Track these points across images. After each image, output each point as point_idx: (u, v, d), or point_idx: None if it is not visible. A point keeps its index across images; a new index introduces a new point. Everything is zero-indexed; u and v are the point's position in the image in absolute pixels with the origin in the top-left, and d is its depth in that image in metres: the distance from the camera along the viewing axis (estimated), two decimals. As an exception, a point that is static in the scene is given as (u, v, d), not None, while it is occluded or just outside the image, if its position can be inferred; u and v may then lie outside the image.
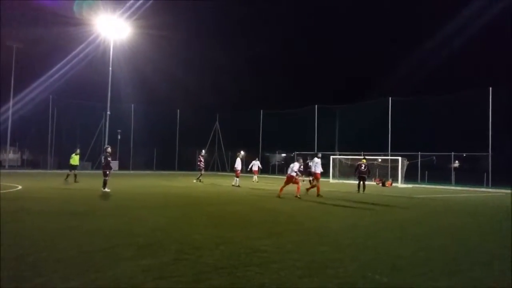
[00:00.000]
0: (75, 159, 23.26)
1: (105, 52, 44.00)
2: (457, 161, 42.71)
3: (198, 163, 29.73)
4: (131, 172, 45.48)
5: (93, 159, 48.69)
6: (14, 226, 8.34)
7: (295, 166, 17.40)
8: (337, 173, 38.29)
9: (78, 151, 23.81)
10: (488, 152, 32.05)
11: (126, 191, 18.68)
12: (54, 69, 45.35)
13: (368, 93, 50.67)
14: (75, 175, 22.80)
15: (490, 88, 32.02)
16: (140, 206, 12.88)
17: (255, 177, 30.66)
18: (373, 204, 16.08)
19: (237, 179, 24.95)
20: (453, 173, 35.15)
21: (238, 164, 25.70)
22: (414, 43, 63.75)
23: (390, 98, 38.63)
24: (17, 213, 10.18)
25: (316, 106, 45.35)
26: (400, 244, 7.82)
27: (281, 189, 17.33)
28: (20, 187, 18.42)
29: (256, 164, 30.68)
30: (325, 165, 40.83)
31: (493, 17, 42.34)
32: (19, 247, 6.36)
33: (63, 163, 46.16)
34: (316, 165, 19.71)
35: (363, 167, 22.71)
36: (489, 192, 27.45)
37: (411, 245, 7.69)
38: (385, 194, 22.12)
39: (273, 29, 77.20)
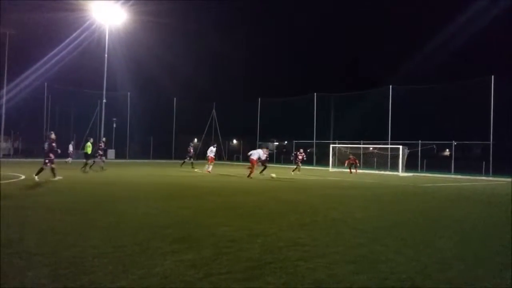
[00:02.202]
0: (88, 148, 23.11)
1: (100, 38, 43.29)
2: (447, 150, 43.05)
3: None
4: (128, 161, 44.95)
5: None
6: (33, 219, 8.02)
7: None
8: (336, 161, 38.17)
9: (91, 140, 23.82)
10: (490, 141, 32.06)
11: (133, 181, 18.38)
12: (49, 55, 44.51)
13: (369, 82, 50.42)
14: (86, 164, 22.71)
15: (492, 76, 31.91)
16: (154, 197, 12.58)
17: (208, 166, 25.82)
18: (382, 193, 15.97)
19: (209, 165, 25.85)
20: (452, 161, 35.17)
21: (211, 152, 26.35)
22: (418, 32, 63.52)
23: (390, 87, 38.47)
24: (33, 206, 9.83)
25: (315, 94, 45.06)
26: (432, 234, 7.61)
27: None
28: (23, 176, 18.00)
29: (212, 151, 26.23)
30: (324, 154, 40.95)
31: (500, 9, 41.98)
32: (47, 242, 6.04)
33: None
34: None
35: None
36: (491, 180, 27.51)
37: (443, 235, 7.50)
38: (388, 183, 22.00)
39: (272, 17, 76.45)
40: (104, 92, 45.00)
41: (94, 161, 23.80)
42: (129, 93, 50.89)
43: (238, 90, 65.17)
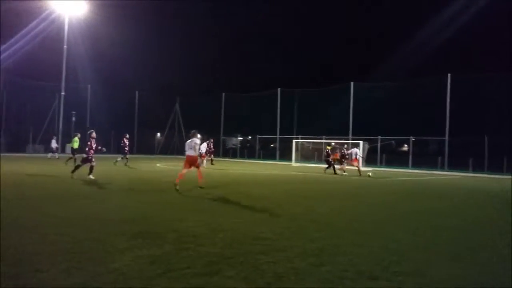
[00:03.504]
0: (75, 143, 23.06)
1: (59, 29, 41.84)
2: (405, 145, 43.98)
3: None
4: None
5: (46, 143, 46.52)
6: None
7: None
8: (299, 156, 38.54)
9: (79, 135, 23.64)
10: (445, 136, 33.19)
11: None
12: (4, 46, 42.55)
13: (331, 78, 51.08)
14: (70, 159, 23.12)
15: (449, 75, 33.00)
16: (116, 191, 12.30)
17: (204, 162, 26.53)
18: (343, 187, 16.26)
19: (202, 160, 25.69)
20: (410, 156, 36.20)
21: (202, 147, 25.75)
22: (380, 30, 64.89)
23: (352, 83, 39.15)
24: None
25: (279, 89, 45.30)
26: (391, 227, 7.82)
27: None
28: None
29: (204, 147, 26.48)
30: (287, 149, 41.27)
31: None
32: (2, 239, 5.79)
33: (13, 146, 43.91)
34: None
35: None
36: (446, 175, 28.57)
37: (401, 228, 7.72)
38: (349, 177, 22.41)
39: (238, 11, 76.02)
40: (63, 85, 43.62)
41: (121, 157, 24.93)
42: (89, 86, 49.47)
43: (202, 84, 64.59)
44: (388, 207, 11.00)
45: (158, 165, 27.98)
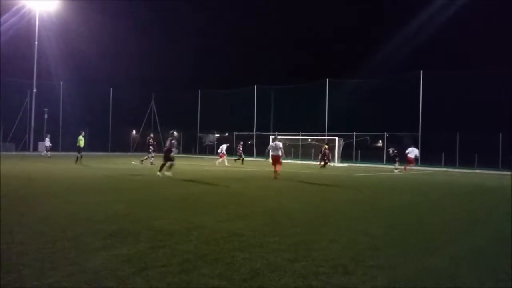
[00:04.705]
0: (81, 141, 23.88)
1: (30, 24, 40.84)
2: (380, 141, 44.51)
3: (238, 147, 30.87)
4: (62, 153, 42.90)
5: (17, 140, 45.45)
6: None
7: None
8: (276, 153, 38.67)
9: (83, 133, 24.39)
10: (418, 132, 33.87)
11: (66, 175, 17.60)
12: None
13: (307, 75, 51.36)
14: (78, 158, 23.68)
15: (421, 71, 33.66)
16: (90, 190, 12.11)
17: (225, 161, 28.30)
18: (318, 183, 16.43)
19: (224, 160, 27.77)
20: (384, 152, 36.78)
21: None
22: (353, 25, 65.42)
23: (327, 80, 39.50)
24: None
25: (255, 86, 45.36)
26: (366, 222, 7.94)
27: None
28: None
29: (223, 148, 28.76)
30: (264, 145, 41.37)
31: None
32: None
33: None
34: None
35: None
36: (419, 170, 29.13)
37: (376, 223, 7.85)
38: (325, 173, 22.65)
39: (215, 7, 75.47)
40: (34, 81, 42.70)
41: (147, 157, 24.77)
42: (62, 83, 48.44)
43: (177, 81, 63.95)
44: (363, 202, 11.16)
45: (133, 162, 27.67)
